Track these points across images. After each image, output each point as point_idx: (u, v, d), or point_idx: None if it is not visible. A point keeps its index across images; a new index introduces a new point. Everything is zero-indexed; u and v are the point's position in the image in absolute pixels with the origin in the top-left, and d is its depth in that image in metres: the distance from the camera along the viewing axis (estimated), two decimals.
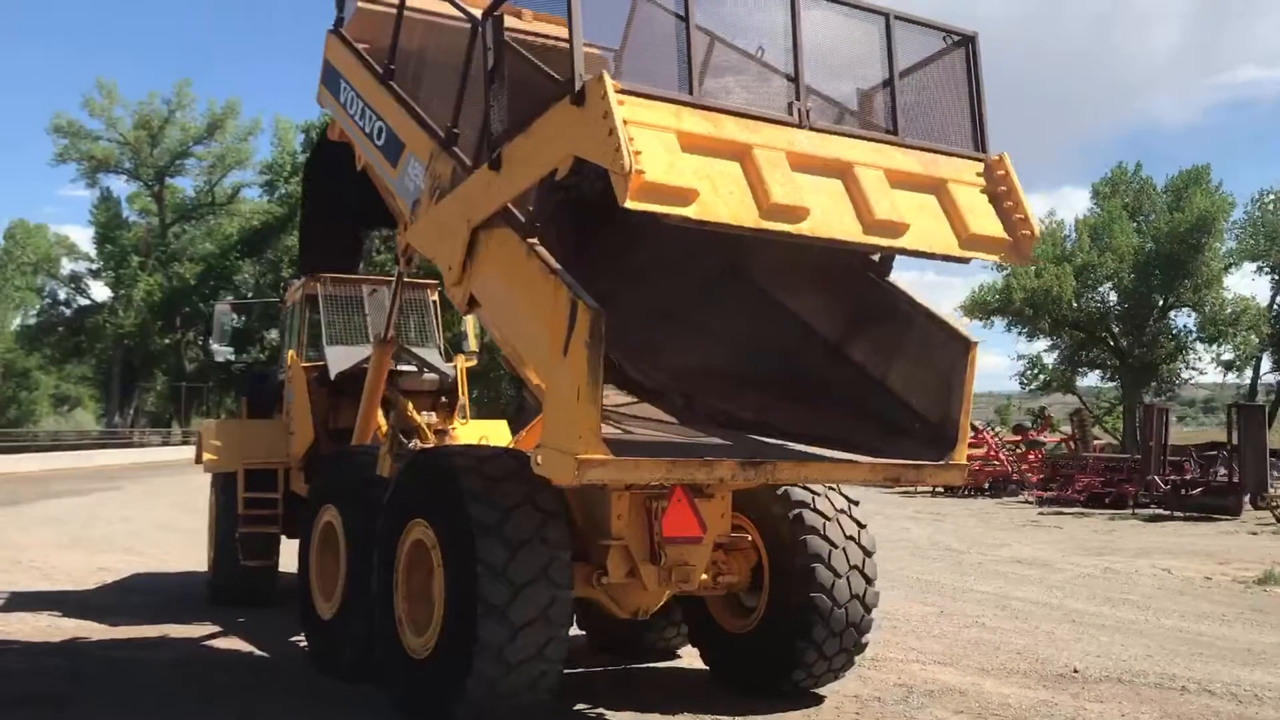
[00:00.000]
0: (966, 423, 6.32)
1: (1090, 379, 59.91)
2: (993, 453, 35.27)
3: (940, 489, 34.41)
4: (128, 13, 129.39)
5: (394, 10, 7.75)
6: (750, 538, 7.37)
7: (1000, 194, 6.27)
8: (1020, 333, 55.71)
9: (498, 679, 5.94)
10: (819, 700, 7.24)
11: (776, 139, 5.67)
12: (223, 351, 13.16)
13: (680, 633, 8.38)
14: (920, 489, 34.78)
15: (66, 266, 72.17)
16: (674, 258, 7.78)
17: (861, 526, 7.31)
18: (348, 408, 10.28)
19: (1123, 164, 56.45)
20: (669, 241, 6.69)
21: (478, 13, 6.50)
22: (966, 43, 6.53)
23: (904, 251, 5.97)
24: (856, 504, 7.41)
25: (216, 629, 9.75)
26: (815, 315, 7.33)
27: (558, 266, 5.72)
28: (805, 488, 7.26)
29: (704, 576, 7.07)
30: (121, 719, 6.78)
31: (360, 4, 8.35)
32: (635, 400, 7.45)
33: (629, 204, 5.04)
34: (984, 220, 6.12)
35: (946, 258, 6.16)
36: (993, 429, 38.62)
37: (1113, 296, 54.56)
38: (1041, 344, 56.80)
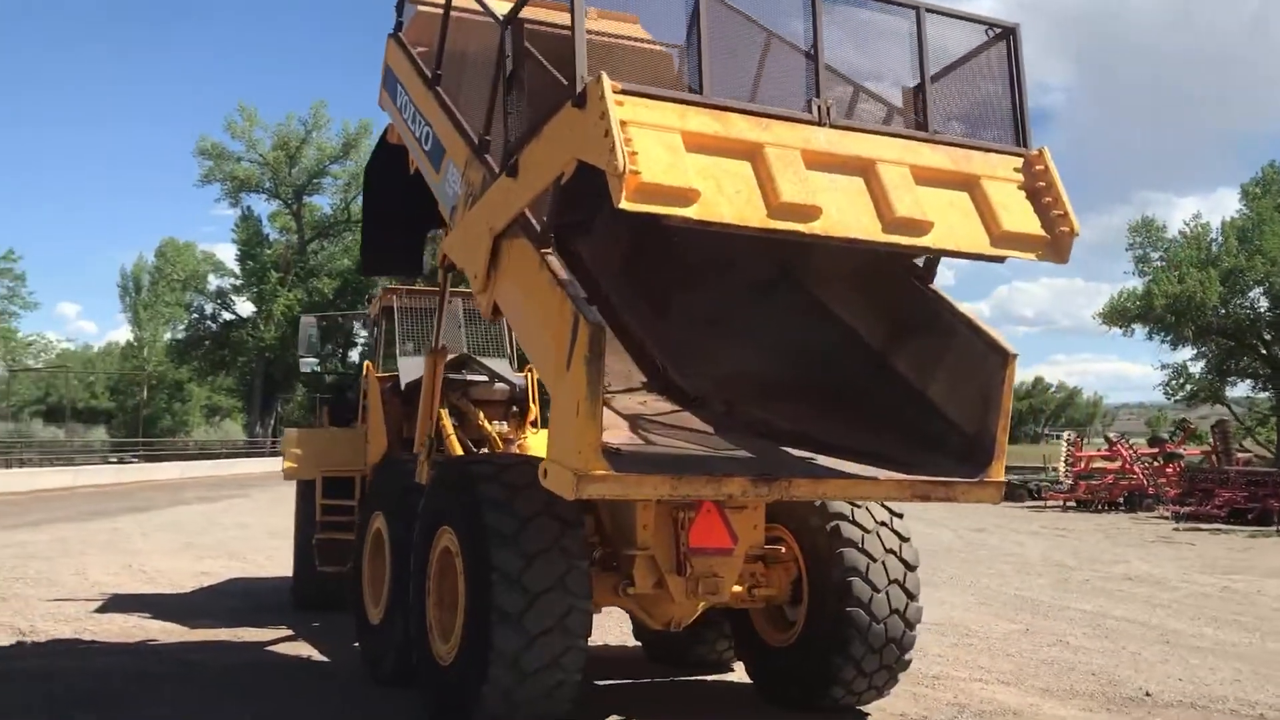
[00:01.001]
0: (1004, 438, 5.97)
1: (1241, 389, 57.00)
2: (1128, 466, 33.87)
3: (1071, 504, 33.35)
4: (269, 34, 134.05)
5: (449, 13, 7.76)
6: (790, 549, 7.16)
7: (1039, 190, 5.97)
8: (1163, 340, 53.35)
9: (513, 688, 5.89)
10: (863, 718, 6.98)
11: (791, 137, 5.50)
12: (308, 362, 13.49)
13: (732, 645, 8.20)
14: (1050, 504, 33.80)
15: (213, 283, 75.24)
16: (727, 259, 7.68)
17: (904, 540, 7.03)
18: (410, 418, 10.39)
19: (1275, 163, 53.59)
20: (722, 243, 6.57)
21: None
22: (1007, 35, 6.27)
23: (928, 251, 5.74)
24: (900, 516, 7.12)
25: (287, 633, 9.95)
26: (861, 322, 7.10)
27: (566, 278, 5.65)
28: None
29: (738, 589, 6.91)
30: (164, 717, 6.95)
31: (419, 7, 8.43)
32: (676, 409, 7.35)
33: (624, 205, 4.94)
34: (1019, 217, 5.83)
35: (978, 256, 5.90)
36: (1127, 441, 36.99)
37: (1263, 302, 51.81)
38: (1186, 353, 54.29)
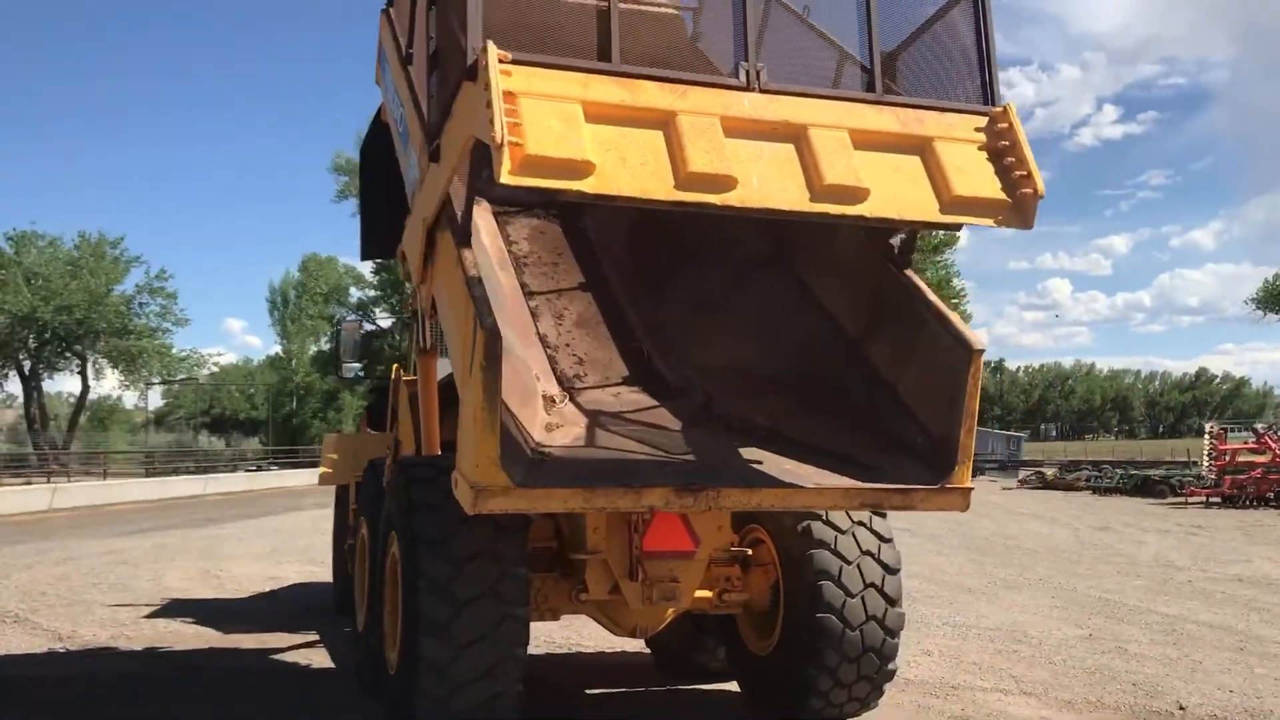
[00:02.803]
0: (970, 441, 5.35)
1: None
2: (1278, 459, 31.74)
3: (1215, 500, 31.43)
4: None
5: None
6: (770, 552, 6.68)
7: (1001, 150, 5.39)
8: None
9: (445, 699, 5.61)
10: None
11: (709, 103, 5.10)
12: (351, 367, 13.48)
13: None
14: (1192, 500, 31.97)
15: (354, 295, 77.33)
16: (728, 239, 7.31)
17: (884, 540, 6.46)
18: (448, 419, 10.19)
19: None
20: (721, 222, 6.18)
21: None
22: None
23: (864, 220, 5.17)
24: (882, 516, 6.54)
25: (312, 638, 9.87)
26: (842, 310, 6.61)
27: (474, 275, 5.28)
28: None
29: (705, 594, 6.49)
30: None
31: None
32: (650, 403, 6.95)
33: (505, 179, 4.60)
34: (975, 180, 5.26)
35: (926, 225, 5.40)
36: (1277, 432, 34.67)
37: None
38: None
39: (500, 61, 4.80)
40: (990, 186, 5.28)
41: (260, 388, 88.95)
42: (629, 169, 4.82)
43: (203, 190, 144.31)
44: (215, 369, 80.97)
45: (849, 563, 6.29)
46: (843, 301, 6.61)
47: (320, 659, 9.05)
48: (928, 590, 12.84)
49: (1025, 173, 5.29)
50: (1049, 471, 47.10)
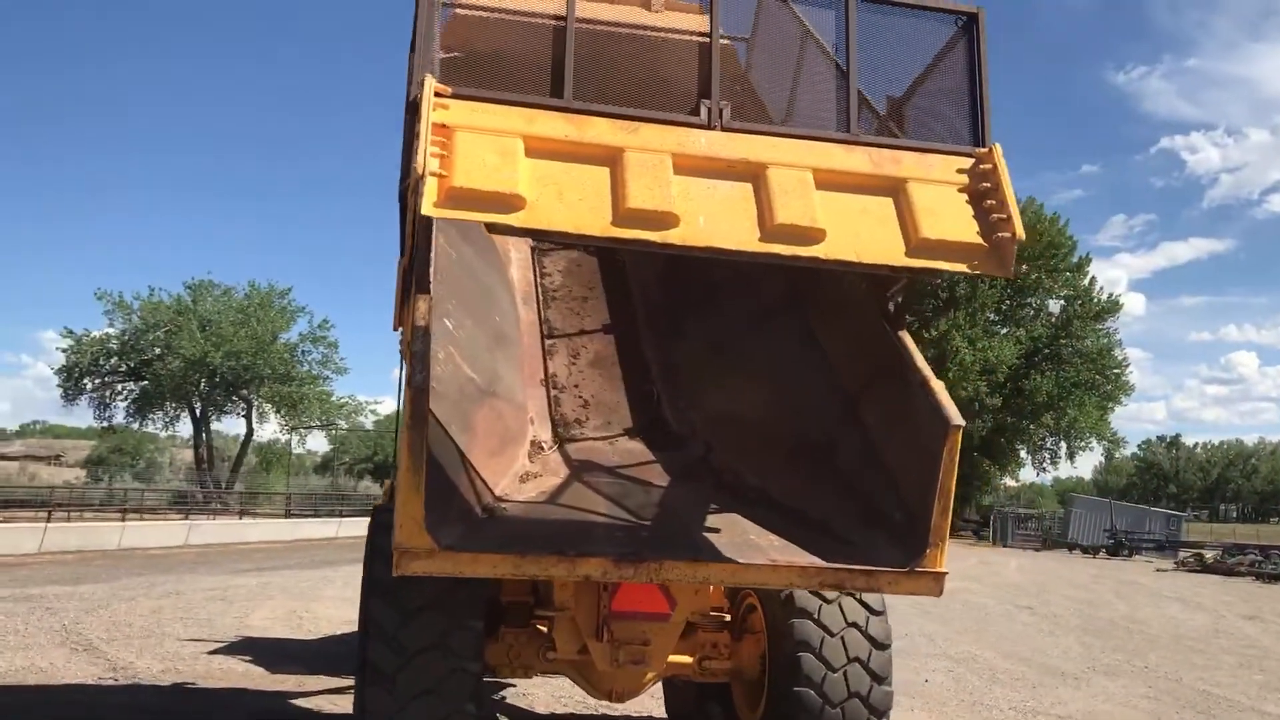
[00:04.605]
0: (944, 522, 4.90)
1: None
2: None
3: None
4: None
5: (484, 14, 7.40)
6: (760, 619, 6.29)
7: (982, 191, 5.01)
8: None
9: None
10: None
11: (661, 140, 4.94)
12: None
13: None
14: None
15: None
16: (750, 280, 7.08)
17: (874, 613, 5.99)
18: None
19: None
20: (740, 264, 6.01)
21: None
22: (970, 24, 5.40)
23: (819, 262, 4.83)
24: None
25: (349, 683, 9.78)
26: (842, 363, 6.25)
27: (421, 326, 5.11)
28: None
29: (684, 659, 6.15)
30: None
31: (455, 10, 8.16)
32: (644, 458, 6.68)
33: (426, 210, 4.52)
34: (946, 223, 4.89)
35: (891, 269, 5.02)
36: None
37: None
38: None
39: (438, 95, 4.77)
40: (965, 230, 4.90)
41: None
42: (564, 204, 4.67)
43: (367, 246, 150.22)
44: (376, 416, 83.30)
45: (832, 635, 5.86)
46: (844, 355, 6.27)
47: (344, 705, 8.96)
48: (1015, 671, 12.06)
49: (1005, 215, 4.89)
50: (1209, 554, 44.24)
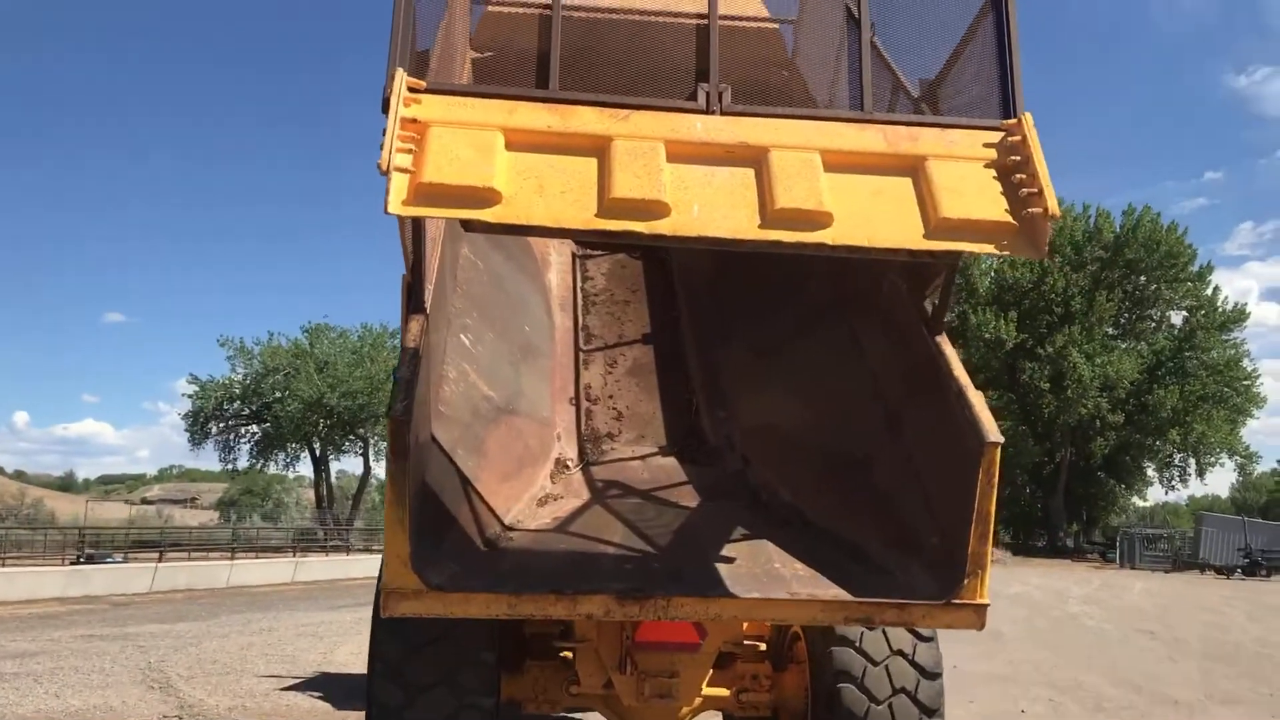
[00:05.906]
0: (984, 549, 4.38)
1: None
2: None
3: None
4: None
5: (518, 11, 7.11)
6: (804, 649, 5.80)
7: (1012, 165, 4.52)
8: None
9: None
10: None
11: (653, 127, 4.58)
12: None
13: None
14: None
15: None
16: (791, 282, 6.68)
17: (923, 639, 5.44)
18: None
19: None
20: (795, 263, 5.84)
21: None
22: None
23: (826, 249, 4.37)
24: None
25: None
26: (882, 369, 5.75)
27: (411, 349, 4.80)
28: None
29: (720, 692, 5.69)
30: None
31: (487, 8, 7.93)
32: (676, 478, 6.26)
33: (391, 209, 4.21)
34: (969, 202, 4.39)
35: (909, 253, 4.52)
36: None
37: None
38: None
39: (412, 90, 4.50)
40: (991, 208, 4.38)
41: None
42: (544, 197, 4.31)
43: None
44: None
45: (875, 663, 5.35)
46: (884, 360, 5.75)
47: None
48: (1123, 700, 11.26)
49: (1036, 190, 4.37)
50: None
